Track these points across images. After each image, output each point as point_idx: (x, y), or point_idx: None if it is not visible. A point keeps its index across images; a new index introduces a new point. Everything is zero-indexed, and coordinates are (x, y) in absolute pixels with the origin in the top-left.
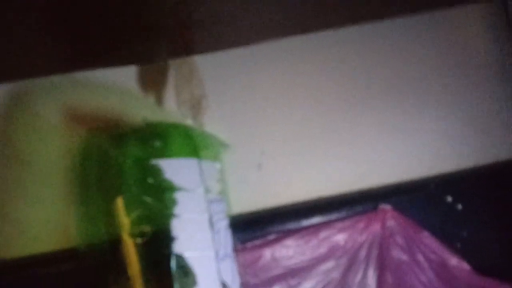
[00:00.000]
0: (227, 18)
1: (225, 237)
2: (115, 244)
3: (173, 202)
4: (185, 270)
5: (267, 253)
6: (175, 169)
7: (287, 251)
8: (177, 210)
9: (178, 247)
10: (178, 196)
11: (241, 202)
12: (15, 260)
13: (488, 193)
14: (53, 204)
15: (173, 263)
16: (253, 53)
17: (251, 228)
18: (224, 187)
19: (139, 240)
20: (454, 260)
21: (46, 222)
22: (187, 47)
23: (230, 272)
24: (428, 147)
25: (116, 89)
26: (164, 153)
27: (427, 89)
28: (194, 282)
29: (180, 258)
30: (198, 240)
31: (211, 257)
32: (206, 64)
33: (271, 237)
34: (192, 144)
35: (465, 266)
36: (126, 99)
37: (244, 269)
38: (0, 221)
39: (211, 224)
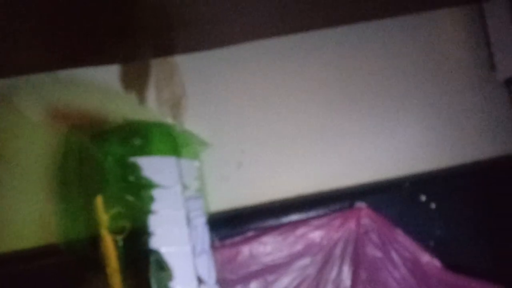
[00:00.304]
0: (210, 18)
1: (202, 233)
2: (95, 240)
3: (151, 199)
4: (162, 265)
5: (245, 250)
6: (153, 166)
7: (265, 248)
8: (154, 206)
9: (155, 242)
10: (156, 193)
11: (221, 199)
12: None
13: (461, 193)
14: (35, 201)
15: (150, 258)
16: (234, 53)
17: (230, 225)
18: (202, 184)
19: (117, 237)
20: (426, 258)
21: (28, 218)
22: (169, 47)
23: (207, 267)
24: (403, 147)
25: (98, 88)
26: (144, 151)
27: (404, 90)
28: (170, 277)
29: (156, 254)
30: (175, 235)
31: (188, 252)
32: (187, 64)
33: (250, 234)
34: (171, 142)
35: (437, 263)
36: (108, 97)
37: (223, 265)
38: None
39: (188, 220)
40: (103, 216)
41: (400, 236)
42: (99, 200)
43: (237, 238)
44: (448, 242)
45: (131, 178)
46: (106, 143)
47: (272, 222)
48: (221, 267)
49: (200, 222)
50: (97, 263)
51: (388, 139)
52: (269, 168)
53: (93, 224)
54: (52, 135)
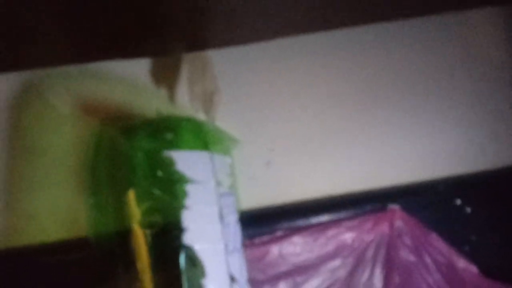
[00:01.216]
0: (242, 13)
1: (235, 231)
2: (125, 235)
3: (184, 194)
4: (194, 262)
5: (274, 250)
6: (186, 161)
7: (295, 248)
8: (187, 202)
9: (188, 238)
10: (189, 188)
11: (250, 198)
12: (25, 248)
13: (497, 197)
14: (64, 194)
15: (182, 254)
16: (266, 50)
17: (259, 224)
18: (234, 181)
19: (149, 231)
20: (461, 263)
21: (56, 211)
22: (201, 41)
23: (239, 266)
24: (438, 148)
25: (128, 81)
26: (175, 146)
27: (442, 91)
28: (203, 274)
29: (189, 250)
30: (208, 232)
31: (220, 249)
32: (219, 59)
33: (279, 233)
34: (203, 137)
35: (473, 269)
36: (138, 91)
37: (251, 264)
38: (10, 209)
39: (221, 217)
40: (135, 210)
41: (435, 240)
42: (131, 194)
43: (266, 237)
44: (483, 248)
45: (160, 173)
46: (136, 138)
47: (301, 222)
48: (250, 267)
49: (233, 220)
50: (126, 258)
51: (424, 140)
52: (299, 167)
53: (123, 219)
54: (81, 128)
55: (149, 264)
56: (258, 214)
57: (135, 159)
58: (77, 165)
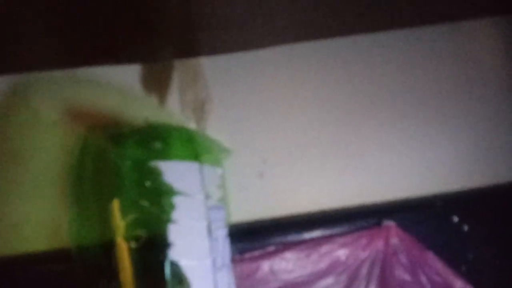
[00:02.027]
0: (235, 21)
1: (223, 246)
2: (109, 247)
3: (171, 207)
4: (180, 279)
5: (265, 266)
6: (175, 172)
7: (287, 265)
8: (175, 215)
9: (174, 254)
10: (177, 200)
11: (241, 210)
12: (7, 257)
13: (496, 215)
14: (48, 203)
15: (167, 270)
16: (259, 58)
17: (250, 238)
18: (224, 194)
19: (133, 245)
20: (459, 284)
21: (40, 221)
22: (193, 48)
23: (227, 283)
24: (436, 164)
25: (118, 88)
26: (164, 155)
27: (437, 106)
28: None
29: (175, 266)
30: (195, 247)
31: (208, 266)
32: (210, 67)
33: (271, 248)
34: (193, 147)
35: None
36: (127, 98)
37: (241, 281)
38: None
39: (210, 231)
40: (119, 222)
41: (431, 259)
42: (115, 205)
43: (257, 253)
44: (481, 266)
45: (150, 184)
46: (124, 146)
47: (294, 237)
48: (239, 283)
49: (222, 234)
50: (109, 272)
51: (421, 154)
52: (292, 180)
53: (107, 230)
54: (68, 135)
55: (133, 279)
56: (250, 228)
57: (123, 168)
58: (62, 173)
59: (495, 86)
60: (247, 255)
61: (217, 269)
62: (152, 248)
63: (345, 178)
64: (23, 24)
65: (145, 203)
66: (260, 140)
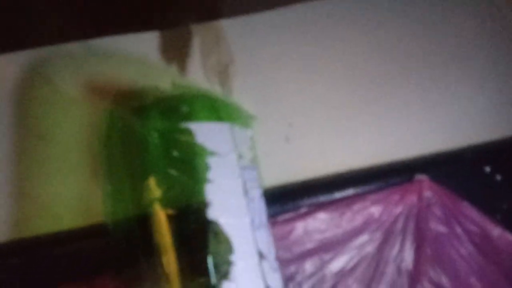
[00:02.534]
0: None
1: (260, 205)
2: (144, 219)
3: (206, 167)
4: (220, 237)
5: (299, 227)
6: (206, 132)
7: (320, 224)
8: (210, 175)
9: (213, 213)
10: (211, 161)
11: (269, 175)
12: (37, 238)
13: None
14: (75, 180)
15: (207, 230)
16: (283, 17)
17: (281, 202)
18: (255, 155)
19: (171, 212)
20: (496, 231)
21: (68, 198)
22: (213, 11)
23: (266, 241)
24: (464, 116)
25: (137, 57)
26: (192, 118)
27: (466, 56)
28: (230, 250)
29: (214, 225)
30: (233, 206)
31: (247, 224)
32: (232, 29)
33: (303, 210)
34: (221, 110)
35: (509, 236)
36: (148, 67)
37: (276, 243)
38: (20, 198)
39: (245, 190)
40: (155, 191)
41: (466, 209)
42: (150, 178)
43: (289, 215)
44: None
45: (176, 154)
46: (149, 117)
47: (324, 198)
48: (275, 245)
49: (257, 194)
50: (147, 243)
51: (447, 107)
52: (319, 142)
53: (141, 202)
54: (90, 110)
55: (173, 246)
56: (280, 192)
57: (150, 140)
58: (89, 149)
59: None
60: (280, 218)
61: (256, 228)
62: (190, 211)
63: (372, 137)
64: None
65: (176, 172)
66: (285, 104)
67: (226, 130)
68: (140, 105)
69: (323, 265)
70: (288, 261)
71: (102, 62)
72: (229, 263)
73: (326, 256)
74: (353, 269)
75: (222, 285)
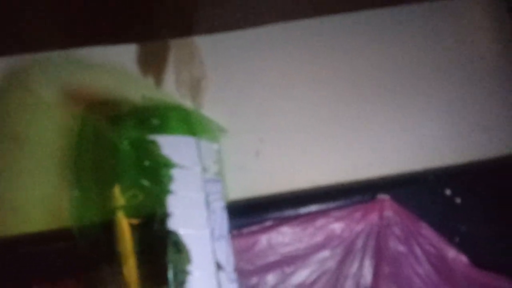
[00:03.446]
0: None
1: (221, 218)
2: (109, 225)
3: (170, 179)
4: (179, 247)
5: (263, 239)
6: (172, 145)
7: (283, 238)
8: (173, 186)
9: (173, 224)
10: (175, 173)
11: (238, 188)
12: (6, 238)
13: (488, 188)
14: (47, 183)
15: (167, 240)
16: (255, 36)
17: (247, 214)
18: (221, 168)
19: (134, 221)
20: (452, 253)
21: (39, 201)
22: (188, 27)
23: (225, 253)
24: (428, 139)
25: (113, 68)
26: (161, 131)
27: (431, 80)
28: (188, 260)
29: (174, 235)
30: (194, 218)
31: (206, 235)
32: (206, 46)
33: (268, 223)
34: (190, 123)
35: (463, 259)
36: (123, 78)
37: (239, 255)
38: None
39: (207, 203)
40: (119, 200)
41: (425, 230)
42: (116, 185)
43: (255, 227)
44: (473, 239)
45: (148, 163)
46: (122, 126)
47: (290, 212)
48: (238, 257)
49: (219, 206)
50: (110, 249)
51: (412, 130)
52: (288, 158)
53: (107, 209)
54: (65, 116)
55: (134, 253)
56: (247, 205)
57: (121, 148)
58: (61, 154)
59: (487, 63)
60: (245, 230)
61: (216, 239)
62: (152, 221)
63: (339, 155)
64: (18, 5)
65: (144, 181)
66: (256, 120)
67: (192, 144)
68: (114, 114)
69: (285, 278)
70: (251, 272)
71: (80, 71)
72: (186, 273)
73: (288, 269)
74: (313, 283)
75: None
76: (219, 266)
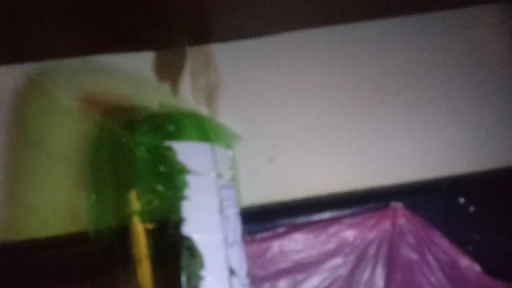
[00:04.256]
0: (247, 7)
1: (235, 224)
2: (125, 230)
3: (185, 185)
4: (193, 252)
5: (275, 246)
6: (187, 152)
7: (296, 245)
8: (188, 192)
9: (187, 229)
10: (190, 179)
11: (251, 194)
12: (24, 242)
13: (501, 197)
14: (65, 188)
15: (181, 245)
16: (270, 44)
17: (260, 220)
18: (235, 175)
19: (149, 226)
20: (465, 261)
21: (57, 205)
22: (205, 35)
23: (238, 258)
24: (442, 147)
25: (131, 75)
26: (176, 138)
27: (446, 89)
28: (201, 265)
29: (188, 240)
30: (207, 223)
31: (220, 241)
32: (222, 54)
33: (280, 230)
34: (205, 130)
35: (476, 267)
36: (141, 85)
37: (252, 261)
38: (11, 202)
39: (221, 209)
40: (135, 204)
41: (438, 238)
42: (133, 191)
43: (267, 234)
44: (486, 247)
45: (163, 169)
46: (138, 133)
47: (303, 219)
48: (250, 263)
49: (233, 212)
50: (126, 253)
51: (427, 138)
52: (301, 165)
53: (123, 214)
54: (83, 122)
55: (148, 258)
56: (260, 211)
57: (137, 154)
58: (79, 159)
59: (501, 71)
60: (257, 236)
61: (229, 245)
62: (167, 227)
63: (353, 163)
64: (39, 13)
65: (160, 187)
66: (270, 126)
67: (207, 150)
68: (131, 120)
69: (296, 284)
70: (263, 278)
71: (99, 77)
72: (199, 278)
73: (300, 276)
74: None
75: None
76: (232, 272)
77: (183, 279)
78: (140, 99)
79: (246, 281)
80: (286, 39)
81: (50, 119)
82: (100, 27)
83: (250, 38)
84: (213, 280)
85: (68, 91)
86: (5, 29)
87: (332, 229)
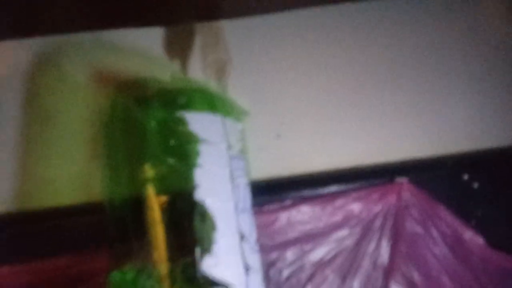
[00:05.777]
0: None
1: (244, 192)
2: (139, 201)
3: (197, 153)
4: (205, 216)
5: (283, 217)
6: (199, 122)
7: (303, 216)
8: (200, 161)
9: (200, 194)
10: (201, 148)
11: (259, 169)
12: (37, 211)
13: (504, 174)
14: (78, 159)
15: (194, 210)
16: (279, 21)
17: (267, 193)
18: (244, 147)
19: (162, 198)
20: (468, 234)
21: (71, 176)
22: (214, 11)
23: (248, 225)
24: (447, 125)
25: (141, 50)
26: (188, 109)
27: (452, 66)
28: (213, 228)
29: (201, 205)
30: (219, 190)
31: (231, 207)
32: (231, 30)
33: (287, 202)
34: (215, 103)
35: (479, 240)
36: (151, 60)
37: (260, 231)
38: (26, 173)
39: (232, 178)
40: (149, 174)
41: (442, 212)
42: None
43: (275, 205)
44: (489, 223)
45: (173, 142)
46: (149, 106)
47: (310, 193)
48: (258, 233)
49: (243, 182)
50: (139, 222)
51: (432, 116)
52: (308, 141)
53: (136, 184)
54: (95, 96)
55: (162, 223)
56: (268, 184)
57: (148, 128)
58: (92, 132)
59: (506, 50)
60: (265, 208)
61: (239, 211)
62: (180, 196)
63: (359, 138)
64: None
65: (171, 160)
66: (278, 103)
67: (218, 121)
68: (142, 95)
69: (303, 254)
70: (271, 248)
71: (109, 53)
72: (211, 240)
73: (307, 247)
74: (331, 260)
75: (204, 260)
76: (242, 237)
77: (196, 241)
78: (151, 74)
79: (255, 246)
80: (295, 16)
81: (62, 93)
82: (110, 2)
83: (259, 14)
84: (225, 243)
85: (80, 65)
86: (15, 4)
87: (338, 202)
